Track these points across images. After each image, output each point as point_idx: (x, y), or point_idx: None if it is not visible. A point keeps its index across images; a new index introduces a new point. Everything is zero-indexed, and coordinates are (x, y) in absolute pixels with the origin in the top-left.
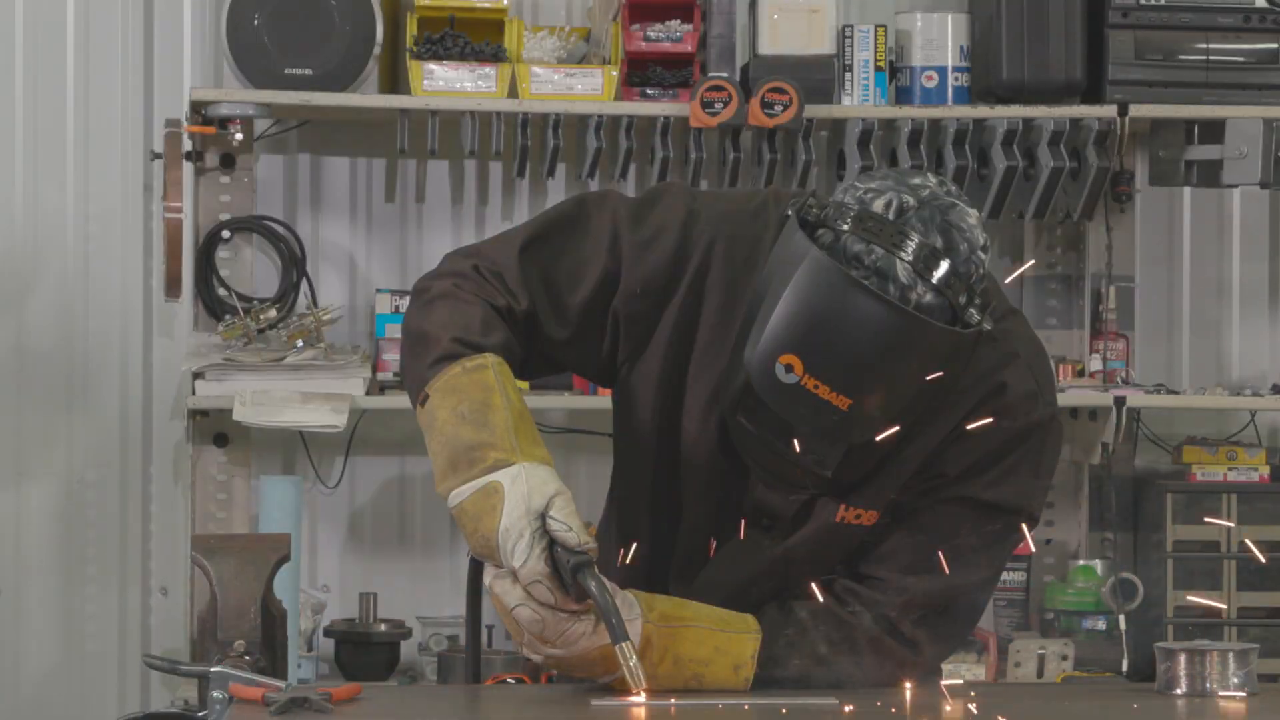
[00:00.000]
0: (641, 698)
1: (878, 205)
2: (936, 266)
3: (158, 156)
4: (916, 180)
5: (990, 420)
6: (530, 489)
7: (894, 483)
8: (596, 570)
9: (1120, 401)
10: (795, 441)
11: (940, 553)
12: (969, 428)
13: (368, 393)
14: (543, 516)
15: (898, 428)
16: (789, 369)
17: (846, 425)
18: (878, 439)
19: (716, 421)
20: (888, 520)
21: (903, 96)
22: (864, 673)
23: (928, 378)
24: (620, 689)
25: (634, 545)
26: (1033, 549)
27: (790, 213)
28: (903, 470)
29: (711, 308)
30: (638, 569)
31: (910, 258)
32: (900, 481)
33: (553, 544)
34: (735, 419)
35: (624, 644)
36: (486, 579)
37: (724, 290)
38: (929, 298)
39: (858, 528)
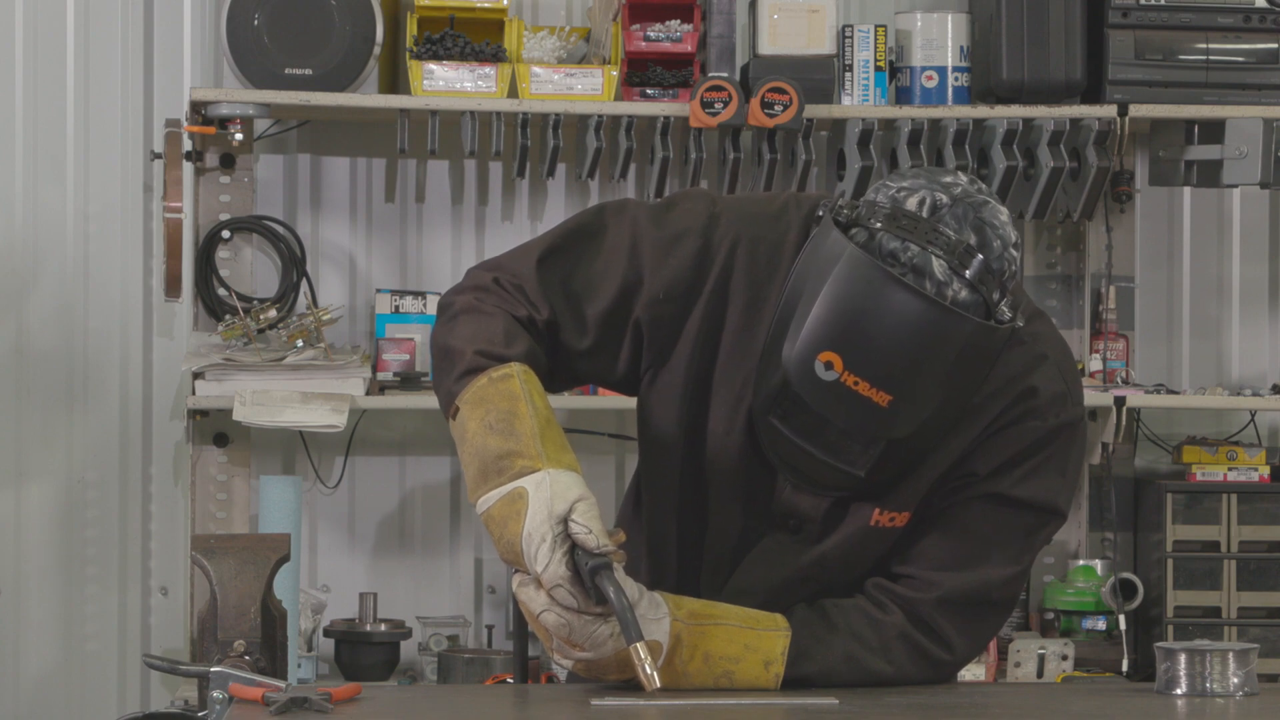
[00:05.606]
0: (643, 698)
1: (911, 203)
2: (970, 263)
3: (158, 156)
4: (948, 178)
5: (1021, 421)
6: (553, 494)
7: (925, 484)
8: (619, 571)
9: (1120, 401)
10: (829, 442)
11: (971, 549)
12: (999, 429)
13: (368, 393)
14: (565, 521)
15: (933, 425)
16: (829, 366)
17: (886, 422)
18: (912, 437)
19: (743, 424)
20: (918, 519)
21: (903, 96)
22: (896, 668)
23: (963, 373)
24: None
25: (662, 551)
26: None
27: (823, 212)
28: (934, 472)
29: (736, 310)
30: (666, 574)
31: (945, 255)
32: (931, 482)
33: (575, 548)
34: (767, 420)
35: (638, 645)
36: (514, 585)
37: (747, 292)
38: (964, 294)
39: (890, 530)
